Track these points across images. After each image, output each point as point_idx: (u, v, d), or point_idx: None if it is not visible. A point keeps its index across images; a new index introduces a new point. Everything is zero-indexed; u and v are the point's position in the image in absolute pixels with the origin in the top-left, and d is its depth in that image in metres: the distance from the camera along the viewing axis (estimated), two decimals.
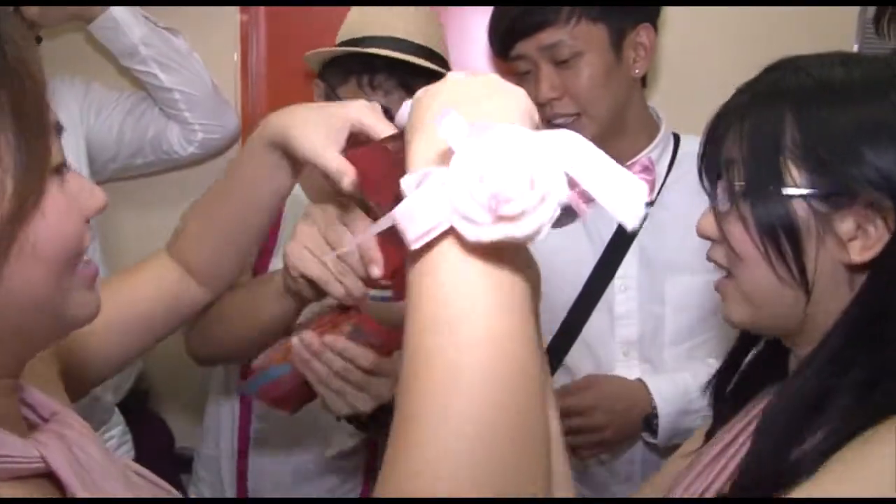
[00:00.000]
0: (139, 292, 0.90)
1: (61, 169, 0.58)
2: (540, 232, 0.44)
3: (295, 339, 0.96)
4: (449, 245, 0.46)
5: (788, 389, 0.73)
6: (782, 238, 0.72)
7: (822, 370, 0.71)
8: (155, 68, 1.51)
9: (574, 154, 0.46)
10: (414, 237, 0.46)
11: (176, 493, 0.72)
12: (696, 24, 1.54)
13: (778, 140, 0.72)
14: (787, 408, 0.72)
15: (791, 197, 0.71)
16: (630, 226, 0.45)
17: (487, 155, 0.44)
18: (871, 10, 1.47)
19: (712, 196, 0.80)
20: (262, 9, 1.67)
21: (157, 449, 1.72)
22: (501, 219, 0.44)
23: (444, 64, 1.33)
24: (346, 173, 0.77)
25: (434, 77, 1.27)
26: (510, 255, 0.47)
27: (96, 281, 0.64)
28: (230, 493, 1.39)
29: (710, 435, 0.87)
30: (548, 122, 1.30)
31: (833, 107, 0.71)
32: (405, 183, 0.47)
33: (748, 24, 1.55)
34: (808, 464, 0.67)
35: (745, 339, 0.87)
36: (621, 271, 1.32)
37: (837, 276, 0.72)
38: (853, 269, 0.71)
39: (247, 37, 1.67)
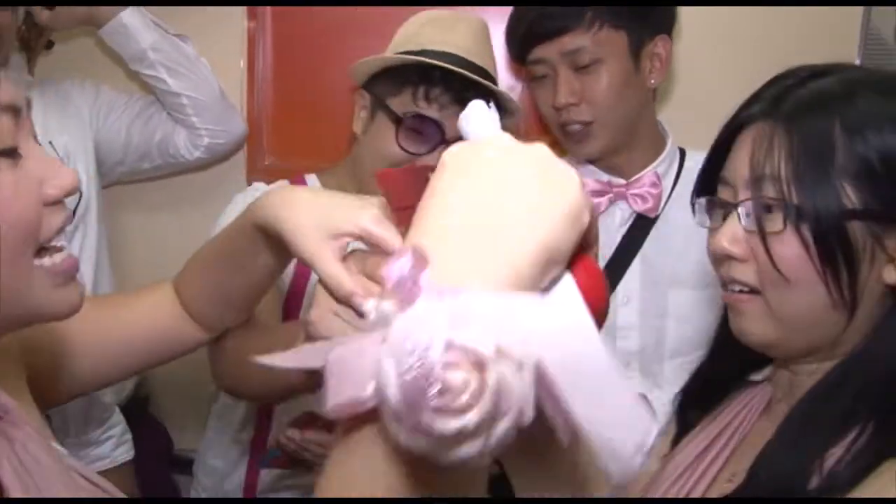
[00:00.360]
0: (130, 317, 0.87)
1: (13, 152, 0.56)
2: (482, 458, 0.32)
3: (282, 438, 1.16)
4: (376, 430, 0.35)
5: (814, 400, 0.72)
6: (841, 261, 0.69)
7: (853, 385, 0.69)
8: (163, 73, 1.52)
9: (566, 354, 0.33)
10: (331, 404, 0.34)
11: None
12: (701, 38, 1.55)
13: (830, 156, 0.69)
14: (813, 417, 0.70)
15: (850, 218, 0.68)
16: (615, 479, 0.33)
17: (434, 335, 0.31)
18: (876, 22, 1.48)
19: (707, 211, 0.79)
20: (269, 15, 1.68)
21: (156, 451, 1.73)
22: (428, 430, 0.31)
23: (496, 83, 1.32)
24: (344, 283, 0.64)
25: (488, 97, 1.27)
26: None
27: (75, 274, 0.62)
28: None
29: (676, 441, 0.87)
30: (562, 127, 1.30)
31: (879, 111, 0.69)
32: (367, 307, 0.35)
33: (749, 38, 1.55)
34: (840, 484, 0.65)
35: (719, 352, 0.86)
36: (623, 284, 1.33)
37: (878, 295, 0.70)
38: (892, 288, 0.70)
39: (254, 43, 1.68)
